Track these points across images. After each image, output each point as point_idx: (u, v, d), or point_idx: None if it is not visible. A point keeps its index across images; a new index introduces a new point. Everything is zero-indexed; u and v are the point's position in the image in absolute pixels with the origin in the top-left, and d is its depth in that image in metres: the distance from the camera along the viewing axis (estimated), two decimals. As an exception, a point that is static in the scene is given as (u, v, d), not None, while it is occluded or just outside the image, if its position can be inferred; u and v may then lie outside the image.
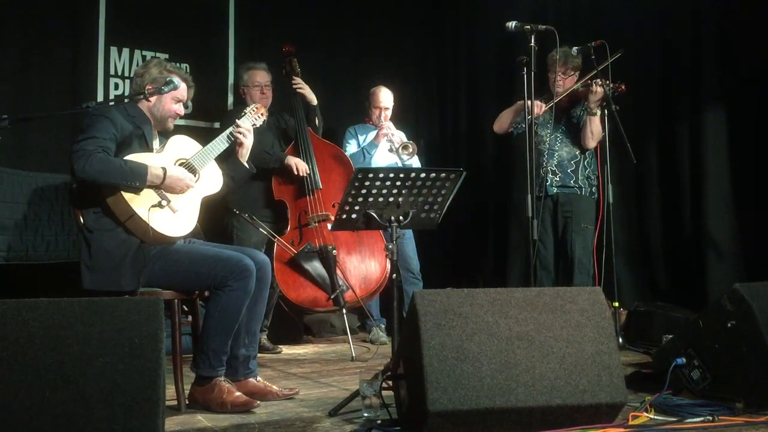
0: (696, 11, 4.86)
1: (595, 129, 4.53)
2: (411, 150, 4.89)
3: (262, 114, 3.51)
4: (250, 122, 3.42)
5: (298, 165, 4.63)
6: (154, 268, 2.93)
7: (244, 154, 3.39)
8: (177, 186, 3.03)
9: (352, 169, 4.72)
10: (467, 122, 6.24)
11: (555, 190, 4.59)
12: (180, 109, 3.24)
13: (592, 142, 4.59)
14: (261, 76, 4.75)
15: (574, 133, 4.64)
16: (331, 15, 6.01)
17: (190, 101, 5.24)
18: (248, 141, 3.37)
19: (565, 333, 2.48)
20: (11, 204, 4.02)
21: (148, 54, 5.09)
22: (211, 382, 2.94)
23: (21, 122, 2.91)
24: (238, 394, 2.92)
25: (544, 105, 4.48)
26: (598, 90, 4.40)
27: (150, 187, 2.95)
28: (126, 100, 3.17)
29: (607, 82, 4.39)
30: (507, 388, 2.34)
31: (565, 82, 4.60)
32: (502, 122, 4.81)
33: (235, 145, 3.35)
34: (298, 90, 4.81)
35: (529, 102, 4.35)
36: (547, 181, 4.58)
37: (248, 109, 3.51)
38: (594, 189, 4.69)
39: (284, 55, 4.97)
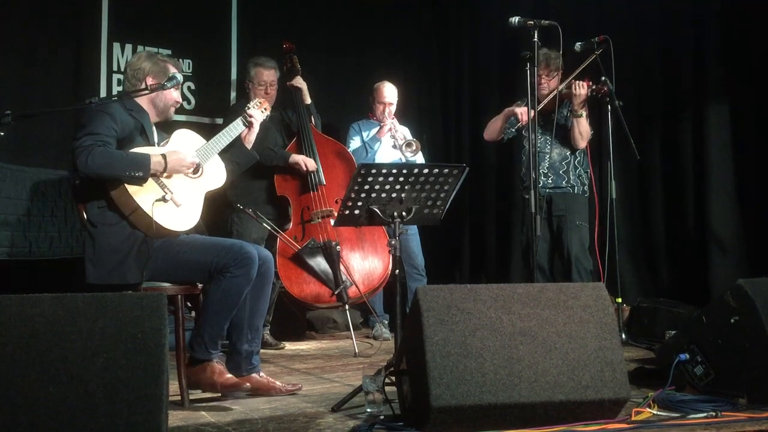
0: (699, 7, 4.85)
1: (582, 129, 4.53)
2: (414, 147, 4.89)
3: (265, 109, 3.54)
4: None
5: (306, 162, 4.62)
6: (158, 261, 2.94)
7: (251, 140, 3.47)
8: (181, 167, 3.04)
9: (354, 165, 4.71)
10: (470, 118, 6.22)
11: (547, 191, 4.58)
12: (179, 96, 3.26)
13: (582, 143, 4.58)
14: (267, 75, 4.72)
15: (563, 134, 4.62)
16: (333, 10, 6.00)
17: (192, 97, 5.29)
18: (256, 125, 3.47)
19: (568, 329, 2.48)
20: (14, 200, 4.02)
21: (151, 50, 5.09)
22: (204, 364, 2.97)
23: (24, 118, 2.90)
24: (228, 375, 2.96)
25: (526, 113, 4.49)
26: (580, 93, 4.39)
27: (154, 176, 2.96)
28: (129, 96, 3.17)
29: (590, 83, 4.38)
30: (510, 384, 2.33)
31: (549, 84, 4.59)
32: (492, 131, 4.83)
33: (239, 136, 3.39)
34: (296, 85, 4.81)
35: (524, 108, 4.48)
36: (539, 183, 4.56)
37: (252, 103, 3.54)
38: (586, 188, 4.68)
39: (285, 51, 4.96)
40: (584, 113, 4.49)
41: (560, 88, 4.48)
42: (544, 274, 4.58)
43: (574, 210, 4.59)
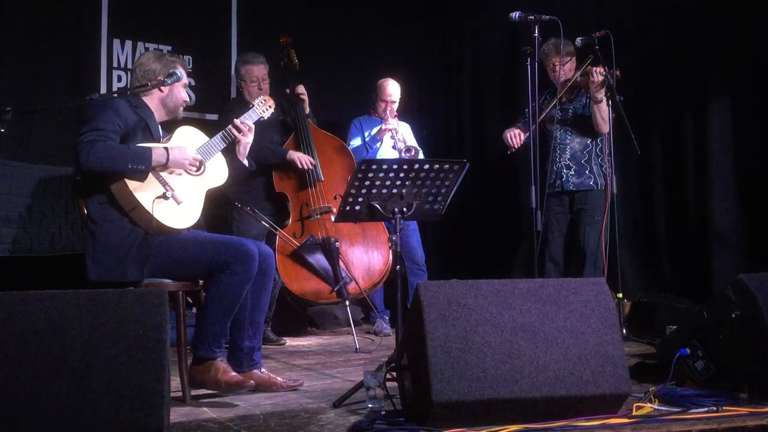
0: (702, 2, 4.83)
1: (604, 114, 4.47)
2: (413, 154, 4.89)
3: (270, 106, 3.50)
4: (257, 115, 3.42)
5: (302, 159, 4.61)
6: (158, 258, 2.94)
7: (242, 152, 3.34)
8: (183, 160, 3.02)
9: (353, 160, 4.72)
10: (471, 113, 6.22)
11: (571, 186, 4.58)
12: (186, 95, 3.27)
13: (605, 126, 4.49)
14: (258, 71, 4.68)
15: (583, 123, 4.61)
16: (334, 6, 5.99)
17: (193, 93, 5.28)
18: (246, 138, 3.31)
19: (568, 324, 2.48)
20: (15, 197, 4.02)
21: (151, 46, 5.09)
22: (208, 363, 2.97)
23: (24, 115, 2.90)
24: (232, 374, 2.96)
25: (522, 134, 4.55)
26: (598, 78, 4.38)
27: (156, 170, 2.95)
28: (129, 93, 3.17)
29: (604, 69, 4.37)
30: (511, 379, 2.34)
31: (564, 70, 4.59)
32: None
33: (233, 142, 3.30)
34: (300, 95, 4.79)
35: (516, 131, 4.59)
36: (562, 176, 4.58)
37: (256, 101, 3.50)
38: (604, 178, 4.63)
39: (281, 45, 4.95)
40: (604, 98, 4.45)
41: (576, 76, 4.48)
42: (557, 268, 4.59)
43: (595, 206, 4.57)
